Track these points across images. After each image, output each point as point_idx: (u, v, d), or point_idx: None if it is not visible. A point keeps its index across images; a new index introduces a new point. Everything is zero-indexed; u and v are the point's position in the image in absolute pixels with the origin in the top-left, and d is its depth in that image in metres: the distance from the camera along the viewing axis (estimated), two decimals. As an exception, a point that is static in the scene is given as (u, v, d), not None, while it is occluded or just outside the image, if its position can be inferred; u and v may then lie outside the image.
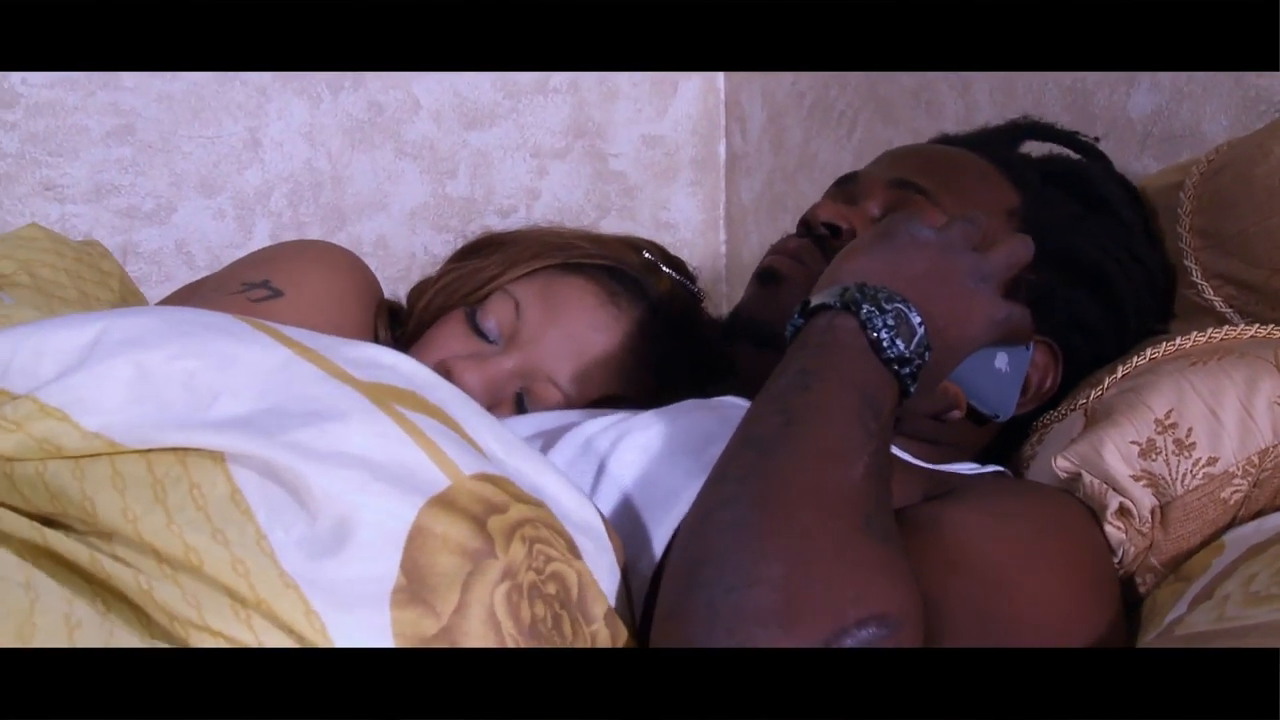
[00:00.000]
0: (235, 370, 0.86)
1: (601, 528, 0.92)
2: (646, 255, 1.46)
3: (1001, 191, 1.21)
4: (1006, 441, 1.21)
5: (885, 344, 0.90)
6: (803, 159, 2.10)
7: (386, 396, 0.87)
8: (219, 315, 0.93)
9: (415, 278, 1.58)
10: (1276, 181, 1.13)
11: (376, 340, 1.35)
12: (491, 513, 0.82)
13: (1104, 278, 1.19)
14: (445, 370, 1.29)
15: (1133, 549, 1.05)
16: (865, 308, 0.91)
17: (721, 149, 2.33)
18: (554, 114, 2.22)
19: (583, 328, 1.34)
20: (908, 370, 0.91)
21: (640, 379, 1.36)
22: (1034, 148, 1.35)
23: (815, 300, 0.94)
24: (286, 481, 0.80)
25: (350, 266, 1.39)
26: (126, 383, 0.83)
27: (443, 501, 0.81)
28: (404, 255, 2.14)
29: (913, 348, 0.91)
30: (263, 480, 0.80)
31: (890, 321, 0.90)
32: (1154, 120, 1.52)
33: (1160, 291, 1.24)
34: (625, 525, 0.98)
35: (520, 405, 1.33)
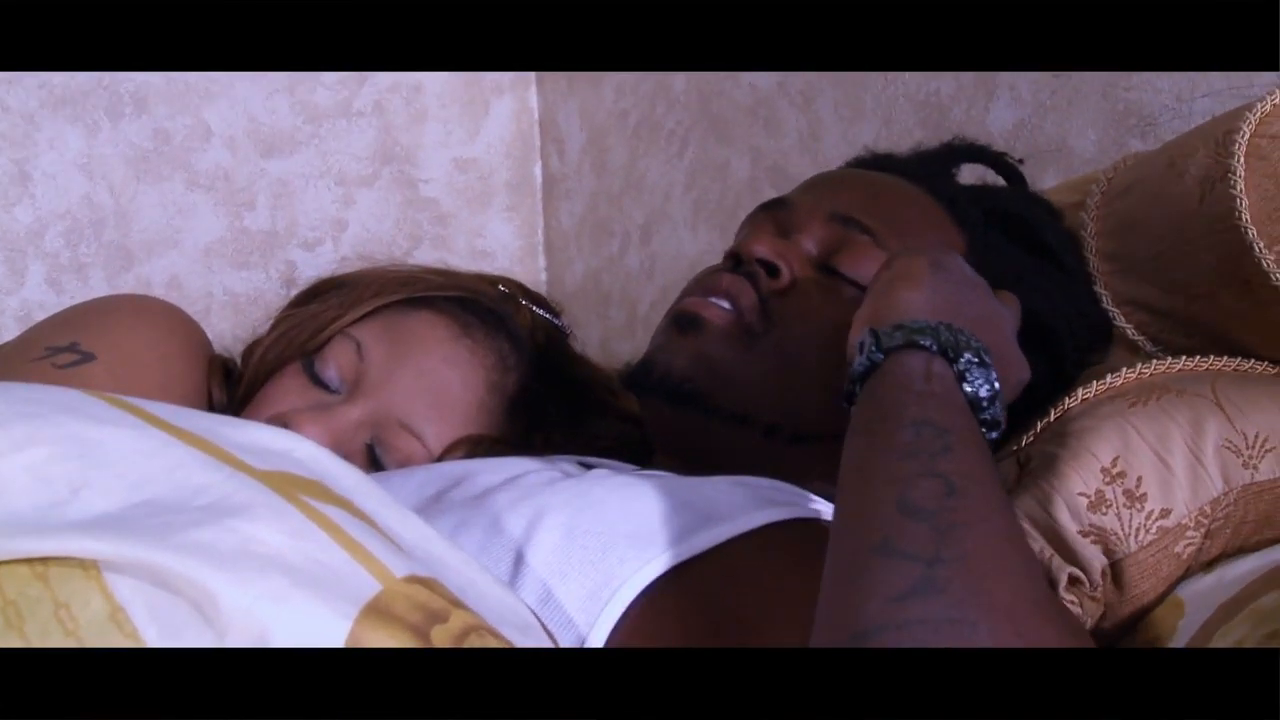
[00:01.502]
0: (98, 457, 0.71)
1: (539, 626, 0.80)
2: (502, 289, 1.36)
3: (948, 235, 1.14)
4: None
5: (985, 403, 0.81)
6: (629, 180, 2.01)
7: (291, 487, 0.73)
8: (63, 390, 0.78)
9: (214, 320, 1.47)
10: (1193, 204, 1.07)
11: (211, 403, 1.23)
12: (433, 622, 0.69)
13: (1053, 337, 1.13)
14: (282, 425, 1.16)
15: (1089, 619, 1.00)
16: (965, 357, 0.81)
17: (538, 171, 2.24)
18: (358, 138, 2.10)
19: (434, 363, 1.23)
20: (995, 435, 0.82)
21: (508, 419, 1.26)
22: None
23: (895, 336, 0.83)
24: (182, 592, 0.66)
25: (172, 320, 1.27)
26: (-44, 479, 0.67)
27: (376, 610, 0.68)
28: (200, 295, 1.99)
29: (1000, 410, 0.82)
30: (151, 591, 0.65)
31: (993, 377, 0.81)
32: (1016, 134, 1.48)
33: (1101, 344, 1.19)
34: (553, 620, 0.87)
35: (373, 458, 1.22)
